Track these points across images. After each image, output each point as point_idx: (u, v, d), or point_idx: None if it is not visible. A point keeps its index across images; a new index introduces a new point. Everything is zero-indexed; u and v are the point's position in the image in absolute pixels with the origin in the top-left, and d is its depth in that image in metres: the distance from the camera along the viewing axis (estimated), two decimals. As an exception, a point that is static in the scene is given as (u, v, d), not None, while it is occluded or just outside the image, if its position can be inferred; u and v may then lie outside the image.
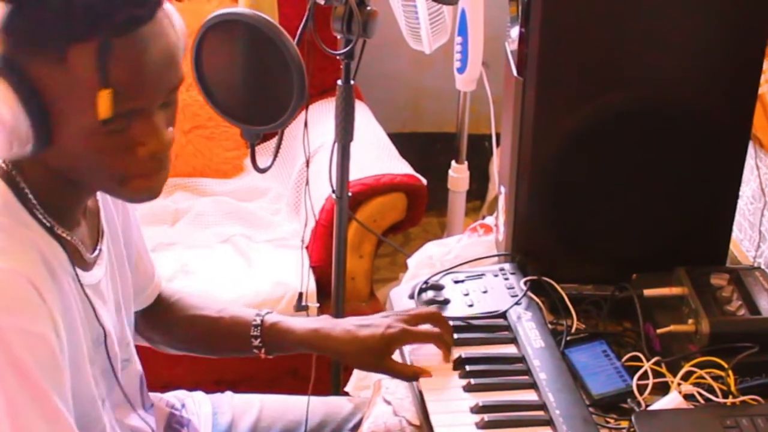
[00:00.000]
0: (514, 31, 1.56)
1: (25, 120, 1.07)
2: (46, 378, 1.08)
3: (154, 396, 1.58)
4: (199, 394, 1.66)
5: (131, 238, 1.44)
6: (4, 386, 1.05)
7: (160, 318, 1.54)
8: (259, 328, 1.46)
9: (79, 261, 1.22)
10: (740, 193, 1.64)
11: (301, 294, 2.15)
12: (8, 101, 1.06)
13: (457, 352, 1.43)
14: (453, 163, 2.82)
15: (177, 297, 1.56)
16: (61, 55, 1.06)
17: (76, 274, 1.20)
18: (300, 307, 2.17)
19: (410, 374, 1.39)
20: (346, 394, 1.80)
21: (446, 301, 1.54)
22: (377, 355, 1.40)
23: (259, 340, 1.46)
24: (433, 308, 1.48)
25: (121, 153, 1.14)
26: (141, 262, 1.49)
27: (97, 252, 1.27)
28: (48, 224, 1.16)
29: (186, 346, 1.56)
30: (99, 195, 1.31)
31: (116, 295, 1.34)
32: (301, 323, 1.47)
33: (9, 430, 1.05)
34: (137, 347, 1.47)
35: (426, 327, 1.44)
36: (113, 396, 1.34)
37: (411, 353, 1.43)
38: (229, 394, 1.69)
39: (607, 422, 1.33)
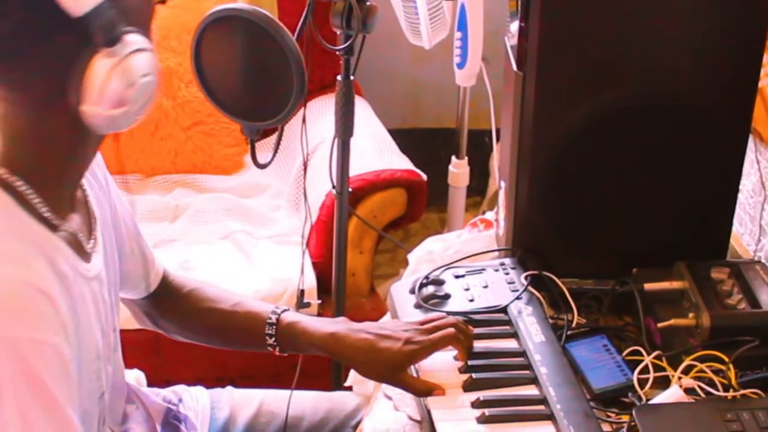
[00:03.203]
0: (514, 26, 1.56)
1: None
2: (58, 389, 1.06)
3: (151, 391, 1.58)
4: (197, 389, 1.66)
5: (120, 223, 1.41)
6: (17, 396, 1.03)
7: (174, 308, 1.53)
8: (274, 327, 1.44)
9: (80, 253, 1.21)
10: (741, 186, 1.64)
11: (302, 291, 2.15)
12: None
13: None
14: (453, 158, 2.82)
15: (192, 287, 1.54)
16: None
17: (80, 268, 1.19)
18: (301, 304, 2.17)
19: (423, 390, 1.36)
20: (348, 389, 1.79)
21: (447, 296, 1.54)
22: (392, 369, 1.37)
23: (273, 338, 1.44)
24: (452, 318, 1.44)
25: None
26: (138, 247, 1.47)
27: (93, 240, 1.25)
28: (51, 220, 1.14)
29: (200, 337, 1.55)
30: (85, 182, 1.28)
31: (110, 280, 1.32)
32: (317, 326, 1.44)
33: None
34: (138, 345, 1.47)
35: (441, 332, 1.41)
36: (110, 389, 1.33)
37: (420, 366, 1.40)
38: (229, 389, 1.68)
39: (608, 416, 1.33)
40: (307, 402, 1.64)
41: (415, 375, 1.39)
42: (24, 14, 1.04)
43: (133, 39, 1.08)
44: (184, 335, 1.55)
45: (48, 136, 1.12)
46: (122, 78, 1.06)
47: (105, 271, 1.28)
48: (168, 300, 1.54)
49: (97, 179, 1.35)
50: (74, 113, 1.08)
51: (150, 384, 1.64)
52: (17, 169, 1.12)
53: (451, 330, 1.39)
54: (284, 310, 1.47)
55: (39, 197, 1.13)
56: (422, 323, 1.42)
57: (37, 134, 1.12)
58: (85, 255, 1.22)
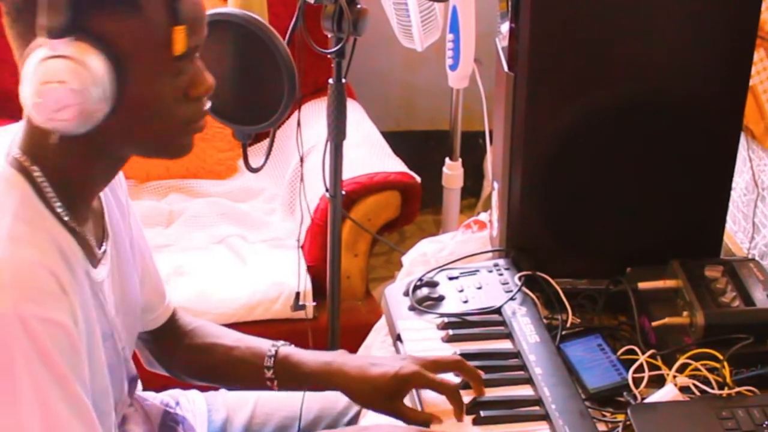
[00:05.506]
0: (505, 27, 1.56)
1: (104, 82, 1.10)
2: (67, 364, 1.10)
3: (149, 394, 1.58)
4: (193, 393, 1.66)
5: (136, 246, 1.43)
6: (30, 370, 1.07)
7: (178, 344, 1.54)
8: (273, 359, 1.44)
9: (90, 256, 1.23)
10: (733, 185, 1.64)
11: (297, 293, 2.15)
12: (87, 66, 1.08)
13: (453, 349, 1.43)
14: (447, 160, 2.83)
15: (196, 324, 1.56)
16: (135, 4, 1.10)
17: (89, 270, 1.22)
18: (297, 306, 2.17)
19: (420, 421, 1.33)
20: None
21: (441, 298, 1.54)
22: (387, 396, 1.35)
23: (271, 371, 1.44)
24: (456, 356, 1.41)
25: (181, 99, 1.19)
26: (149, 278, 1.49)
27: (102, 251, 1.28)
28: (64, 217, 1.18)
29: (202, 374, 1.55)
30: (103, 197, 1.31)
31: (116, 297, 1.34)
32: (313, 356, 1.44)
33: (37, 411, 1.07)
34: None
35: (445, 376, 1.37)
36: (116, 392, 1.35)
37: (423, 395, 1.38)
38: (222, 392, 1.68)
39: (604, 416, 1.33)
40: (298, 402, 1.63)
41: (416, 400, 1.37)
42: None
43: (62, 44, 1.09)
44: (187, 373, 1.56)
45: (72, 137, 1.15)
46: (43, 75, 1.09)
47: (109, 285, 1.30)
48: (173, 336, 1.55)
49: (120, 202, 1.38)
50: None
51: (145, 389, 1.64)
52: (37, 159, 1.17)
53: (454, 385, 1.35)
54: (283, 344, 1.47)
55: (53, 192, 1.17)
56: (423, 357, 1.39)
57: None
58: (93, 260, 1.24)
